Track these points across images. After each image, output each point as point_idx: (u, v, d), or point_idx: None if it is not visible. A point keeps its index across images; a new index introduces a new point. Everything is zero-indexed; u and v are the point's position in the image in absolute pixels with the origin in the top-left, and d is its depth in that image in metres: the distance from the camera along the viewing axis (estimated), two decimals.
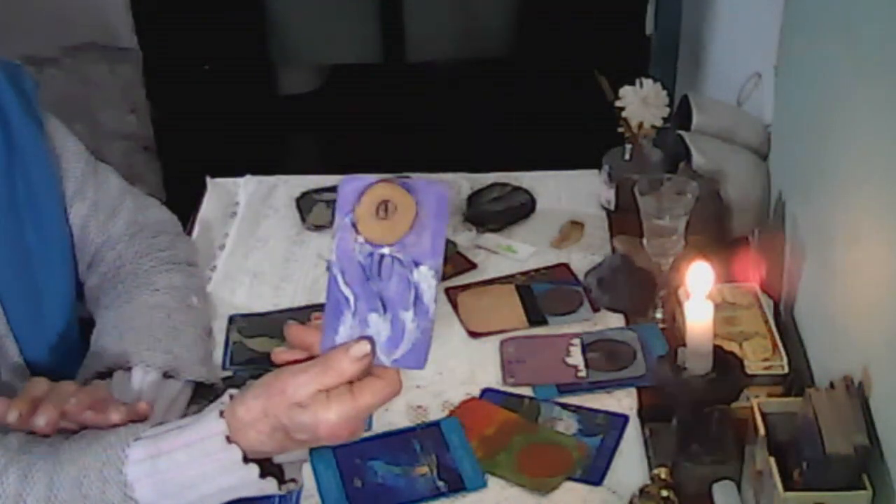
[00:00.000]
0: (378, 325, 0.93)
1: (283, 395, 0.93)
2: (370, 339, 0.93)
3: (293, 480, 1.02)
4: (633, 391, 1.43)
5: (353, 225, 0.92)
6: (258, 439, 0.96)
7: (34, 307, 1.27)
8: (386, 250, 0.92)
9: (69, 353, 1.30)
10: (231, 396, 0.98)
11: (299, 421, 0.93)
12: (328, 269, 0.92)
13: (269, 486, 0.99)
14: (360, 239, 0.92)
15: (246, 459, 0.97)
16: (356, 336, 0.93)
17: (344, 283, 0.93)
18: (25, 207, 1.26)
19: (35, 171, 1.28)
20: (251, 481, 0.98)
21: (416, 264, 0.92)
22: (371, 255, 0.92)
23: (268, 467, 0.99)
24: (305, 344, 0.96)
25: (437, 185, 0.92)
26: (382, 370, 0.94)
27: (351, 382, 0.93)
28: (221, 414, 0.97)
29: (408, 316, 0.92)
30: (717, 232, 1.62)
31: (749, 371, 1.31)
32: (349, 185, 0.92)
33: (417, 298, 0.92)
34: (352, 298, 0.93)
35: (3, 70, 1.26)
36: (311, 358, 0.95)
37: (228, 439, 0.96)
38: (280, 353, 0.97)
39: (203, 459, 0.97)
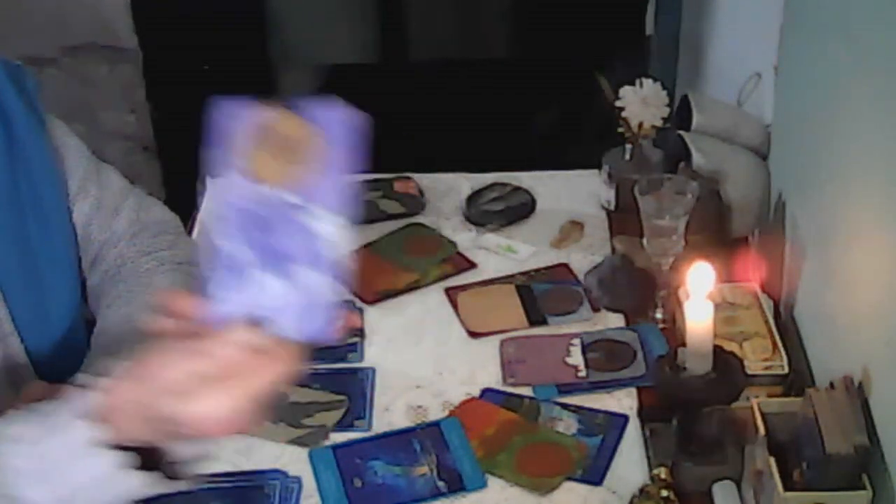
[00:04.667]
0: (273, 289, 0.75)
1: (152, 381, 0.80)
2: (259, 311, 0.76)
3: (193, 475, 0.90)
4: (633, 391, 1.43)
5: (238, 163, 0.74)
6: (131, 427, 0.83)
7: (38, 305, 1.27)
8: (281, 194, 0.74)
9: (74, 351, 1.29)
10: (93, 383, 0.85)
11: (173, 411, 0.80)
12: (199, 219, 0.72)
13: (152, 481, 0.87)
14: (248, 181, 0.74)
15: (124, 448, 0.84)
16: (242, 304, 0.76)
17: (228, 237, 0.75)
18: (28, 205, 1.26)
19: (37, 169, 1.28)
20: (116, 469, 0.85)
21: (320, 211, 0.74)
22: (262, 201, 0.74)
23: (165, 465, 0.88)
24: (185, 312, 0.82)
25: (338, 110, 0.75)
26: (274, 346, 0.79)
27: (236, 362, 0.80)
28: (83, 413, 0.85)
29: (310, 276, 0.75)
30: (717, 232, 1.62)
31: (749, 371, 1.31)
32: (228, 110, 0.73)
33: (321, 253, 0.75)
34: (239, 256, 0.75)
35: (4, 69, 1.26)
36: (188, 332, 0.80)
37: (95, 427, 0.84)
38: (153, 323, 0.83)
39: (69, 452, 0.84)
